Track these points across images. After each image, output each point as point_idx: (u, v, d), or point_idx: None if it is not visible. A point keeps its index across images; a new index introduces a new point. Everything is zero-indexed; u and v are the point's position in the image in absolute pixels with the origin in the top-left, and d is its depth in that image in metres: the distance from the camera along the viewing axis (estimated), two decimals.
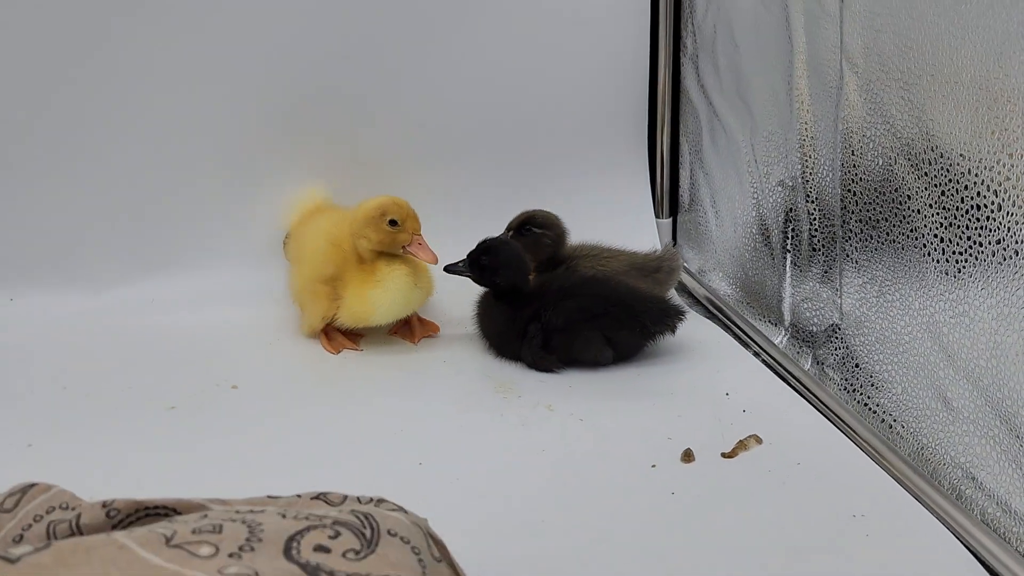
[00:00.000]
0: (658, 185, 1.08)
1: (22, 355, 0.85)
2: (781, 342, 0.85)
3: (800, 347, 0.83)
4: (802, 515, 0.60)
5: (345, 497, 0.50)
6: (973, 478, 0.60)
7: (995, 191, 0.52)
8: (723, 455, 0.67)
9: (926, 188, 0.60)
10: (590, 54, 1.02)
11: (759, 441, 0.69)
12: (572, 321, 0.80)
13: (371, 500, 0.50)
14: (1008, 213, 0.51)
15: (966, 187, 0.55)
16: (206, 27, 0.93)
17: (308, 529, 0.44)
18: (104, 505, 0.47)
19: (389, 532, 0.45)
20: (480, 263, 0.82)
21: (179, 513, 0.48)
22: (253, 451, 0.68)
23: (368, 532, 0.45)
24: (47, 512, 0.48)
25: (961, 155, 0.55)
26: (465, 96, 1.01)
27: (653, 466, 0.66)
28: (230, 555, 0.41)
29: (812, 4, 0.72)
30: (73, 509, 0.48)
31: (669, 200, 1.08)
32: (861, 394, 0.73)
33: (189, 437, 0.70)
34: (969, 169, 0.54)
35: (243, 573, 0.40)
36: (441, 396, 0.78)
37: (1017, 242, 0.51)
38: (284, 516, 0.45)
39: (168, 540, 0.42)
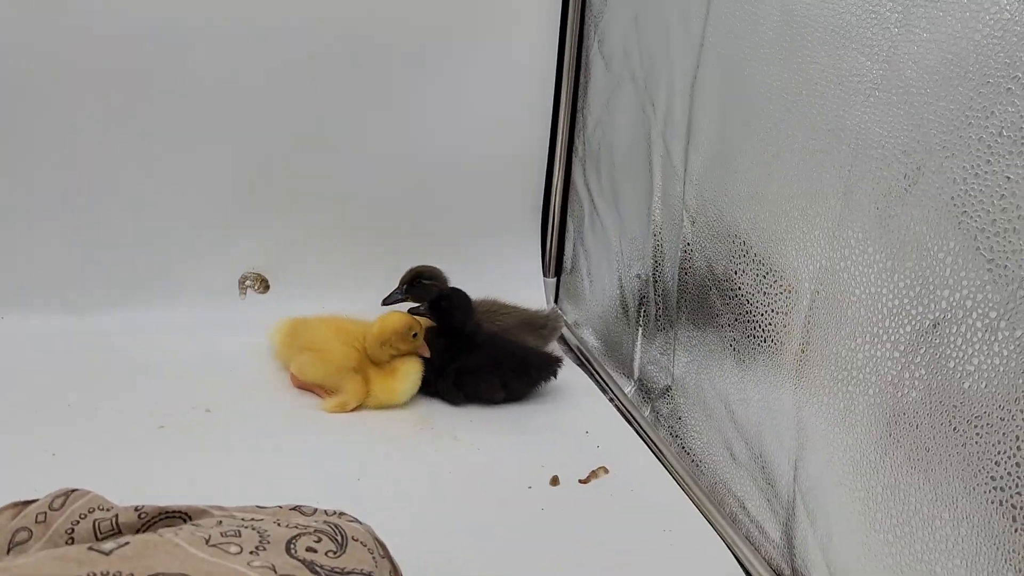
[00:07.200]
0: (547, 251, 1.31)
1: (12, 372, 0.98)
2: (630, 391, 1.11)
3: (643, 398, 1.08)
4: (628, 528, 0.80)
5: (315, 509, 0.67)
6: (744, 507, 0.86)
7: (747, 297, 0.79)
8: (580, 481, 0.86)
9: (720, 296, 0.86)
10: (499, 144, 1.24)
11: (607, 471, 0.88)
12: (479, 367, 1.03)
13: (334, 512, 0.67)
14: (760, 312, 0.78)
15: (733, 290, 0.82)
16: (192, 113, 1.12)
17: (299, 536, 0.61)
18: (136, 509, 0.60)
19: (353, 538, 0.65)
20: (440, 306, 1.05)
21: (191, 517, 0.60)
22: (229, 465, 0.85)
23: (339, 538, 0.64)
24: (89, 512, 0.60)
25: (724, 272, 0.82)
26: (399, 182, 1.22)
27: (529, 487, 0.85)
28: (251, 552, 0.54)
29: (666, 162, 0.97)
30: (110, 510, 0.60)
31: (555, 263, 1.32)
32: (681, 440, 0.99)
33: (176, 453, 0.86)
34: (728, 279, 0.81)
35: (265, 565, 0.53)
36: (376, 427, 0.96)
37: (765, 328, 0.78)
38: (279, 524, 0.64)
39: (207, 541, 0.59)
